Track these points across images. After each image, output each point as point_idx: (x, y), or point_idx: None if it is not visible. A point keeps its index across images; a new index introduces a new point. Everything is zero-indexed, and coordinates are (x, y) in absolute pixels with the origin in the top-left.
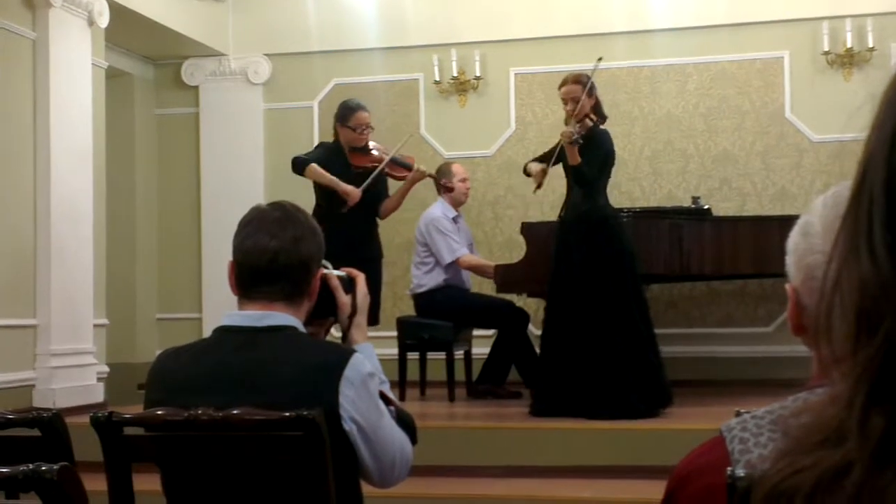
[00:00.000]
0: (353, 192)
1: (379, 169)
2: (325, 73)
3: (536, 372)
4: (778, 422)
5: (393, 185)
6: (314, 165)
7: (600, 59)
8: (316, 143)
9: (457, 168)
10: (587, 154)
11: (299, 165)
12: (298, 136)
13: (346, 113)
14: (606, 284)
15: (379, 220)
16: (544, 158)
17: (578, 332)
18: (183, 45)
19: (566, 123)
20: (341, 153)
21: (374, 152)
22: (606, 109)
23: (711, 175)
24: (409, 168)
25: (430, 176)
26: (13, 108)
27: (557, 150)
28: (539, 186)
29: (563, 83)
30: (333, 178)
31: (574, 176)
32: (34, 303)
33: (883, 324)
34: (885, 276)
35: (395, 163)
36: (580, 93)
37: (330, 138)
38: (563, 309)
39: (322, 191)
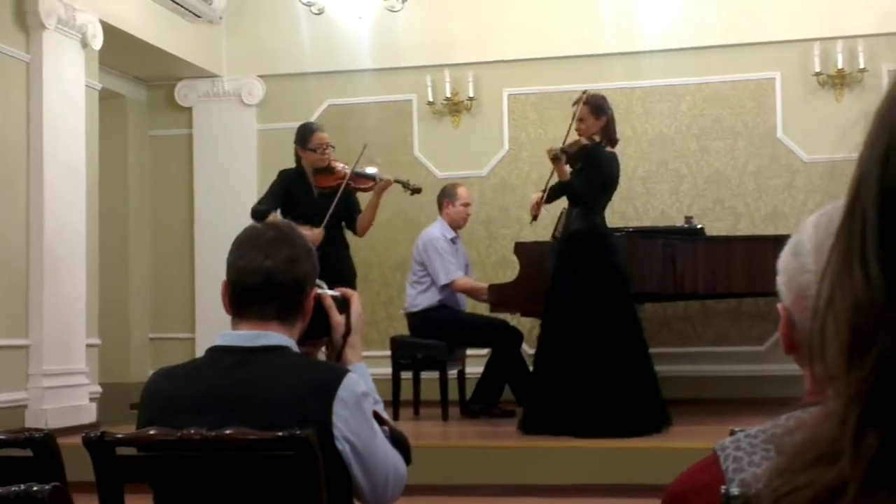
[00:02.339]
0: (313, 234)
1: (343, 186)
2: (319, 93)
3: (529, 389)
4: (772, 440)
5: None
6: (273, 216)
7: (585, 92)
8: None
9: (462, 191)
10: (587, 172)
11: (259, 218)
12: (292, 156)
13: (306, 135)
14: (597, 303)
15: (349, 242)
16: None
17: (570, 350)
18: (176, 67)
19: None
20: (303, 177)
21: (338, 170)
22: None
23: (704, 195)
24: (373, 178)
25: (397, 182)
26: (7, 129)
27: (550, 174)
28: (535, 218)
29: (577, 101)
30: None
31: (563, 192)
32: (26, 323)
33: (876, 343)
34: (879, 294)
35: (358, 175)
36: (587, 113)
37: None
38: (557, 327)
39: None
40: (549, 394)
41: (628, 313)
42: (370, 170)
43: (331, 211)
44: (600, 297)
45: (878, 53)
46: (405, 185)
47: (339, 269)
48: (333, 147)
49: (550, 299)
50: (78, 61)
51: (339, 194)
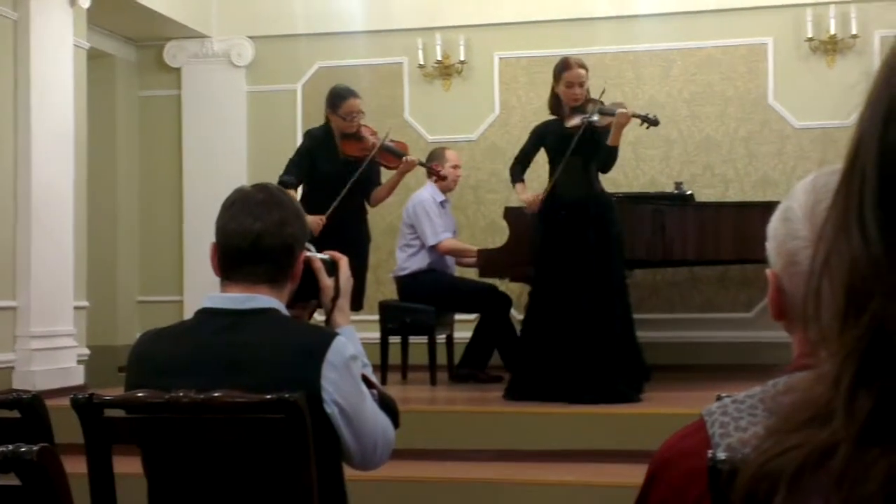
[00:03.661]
0: (313, 222)
1: (368, 159)
2: (309, 56)
3: (516, 355)
4: (760, 404)
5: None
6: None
7: (604, 91)
8: (299, 126)
9: (450, 154)
10: (603, 138)
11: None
12: (282, 119)
13: (336, 101)
14: (611, 266)
15: (368, 207)
16: (523, 159)
17: (575, 314)
18: (166, 27)
19: (559, 106)
20: (331, 139)
21: (366, 139)
22: (592, 94)
23: (694, 161)
24: (399, 156)
25: (421, 164)
26: None
27: (578, 135)
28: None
29: (567, 67)
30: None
31: (609, 157)
32: (14, 285)
33: (871, 303)
34: (876, 254)
35: (386, 151)
36: (586, 78)
37: (316, 122)
38: (557, 291)
39: (311, 182)
40: (536, 360)
41: (623, 280)
42: (399, 147)
43: (352, 181)
44: (612, 260)
45: (871, 19)
46: (430, 170)
47: (357, 234)
48: (364, 113)
49: (547, 263)
50: (66, 20)
51: (363, 166)
